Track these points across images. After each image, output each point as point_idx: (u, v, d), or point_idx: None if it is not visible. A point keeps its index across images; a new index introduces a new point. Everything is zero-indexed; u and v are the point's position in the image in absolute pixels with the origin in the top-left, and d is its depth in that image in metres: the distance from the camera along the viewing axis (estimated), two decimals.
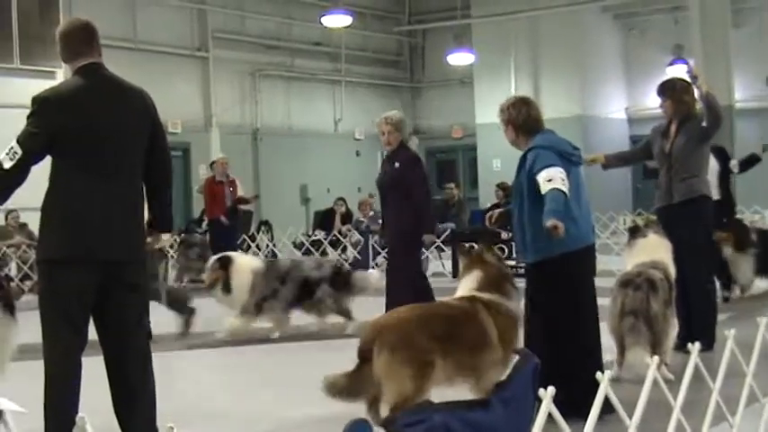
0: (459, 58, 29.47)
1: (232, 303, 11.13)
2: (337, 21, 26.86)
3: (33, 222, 18.92)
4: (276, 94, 28.68)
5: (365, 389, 5.86)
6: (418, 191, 10.33)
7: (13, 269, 18.31)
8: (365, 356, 5.85)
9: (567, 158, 6.83)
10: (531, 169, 6.71)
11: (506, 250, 14.93)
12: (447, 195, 19.78)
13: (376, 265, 18.23)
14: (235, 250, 17.03)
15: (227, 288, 11.08)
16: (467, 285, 6.48)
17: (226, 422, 7.23)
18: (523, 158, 6.88)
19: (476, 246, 7.02)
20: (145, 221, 6.07)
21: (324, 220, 21.11)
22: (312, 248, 18.76)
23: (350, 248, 19.05)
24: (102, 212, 5.76)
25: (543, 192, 6.54)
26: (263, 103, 28.14)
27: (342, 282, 11.41)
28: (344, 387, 5.86)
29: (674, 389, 4.92)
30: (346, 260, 18.87)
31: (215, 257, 11.64)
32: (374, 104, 31.37)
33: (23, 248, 18.29)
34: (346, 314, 11.30)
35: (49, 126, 5.83)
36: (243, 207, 18.92)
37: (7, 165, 5.80)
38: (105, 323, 5.81)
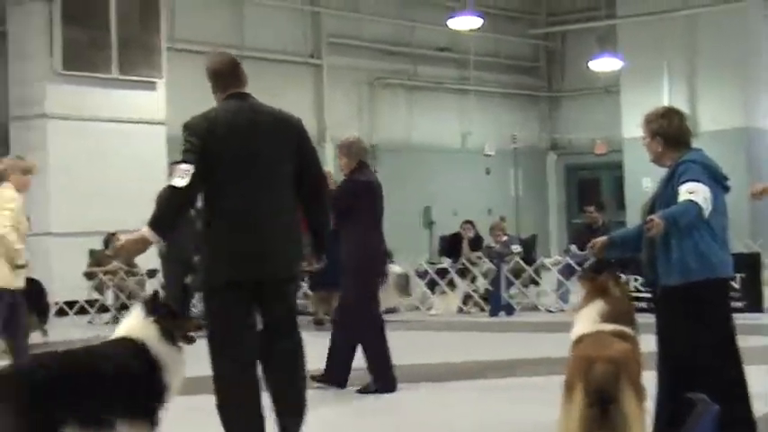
0: (604, 64, 29.14)
1: None
2: (465, 23, 26.78)
3: None
4: (396, 106, 28.77)
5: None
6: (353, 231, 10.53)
7: (109, 298, 18.69)
8: (609, 397, 5.78)
9: (718, 181, 6.93)
10: (678, 180, 6.83)
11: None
12: (589, 219, 19.54)
13: (509, 297, 18.13)
14: (332, 278, 17.08)
15: None
16: (589, 316, 6.40)
17: None
18: (672, 173, 6.95)
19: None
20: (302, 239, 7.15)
21: (450, 246, 21.03)
22: (437, 278, 18.70)
23: (480, 278, 18.95)
24: (258, 232, 6.84)
25: (679, 201, 6.68)
26: (382, 115, 28.27)
27: None
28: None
29: None
30: (476, 291, 18.80)
31: None
32: (507, 116, 31.32)
33: (121, 275, 18.65)
34: None
35: (206, 150, 6.86)
36: None
37: (181, 183, 6.76)
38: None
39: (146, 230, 6.89)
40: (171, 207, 6.89)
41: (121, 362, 6.63)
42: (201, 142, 6.90)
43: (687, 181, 6.74)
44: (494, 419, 8.93)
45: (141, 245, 6.98)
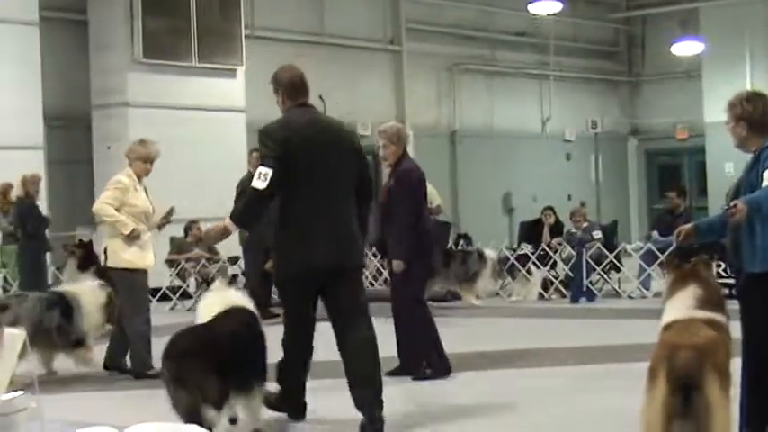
0: (685, 48, 28.80)
1: None
2: (545, 8, 26.62)
3: None
4: (476, 91, 28.65)
5: (693, 423, 5.69)
6: (406, 217, 10.48)
7: (192, 284, 18.82)
8: (692, 384, 5.70)
9: None
10: (763, 167, 6.68)
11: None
12: (671, 205, 19.30)
13: (590, 283, 17.97)
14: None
15: None
16: (682, 303, 6.28)
17: None
18: (756, 158, 6.82)
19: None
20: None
21: (530, 232, 20.89)
22: (518, 264, 18.60)
23: (560, 264, 18.81)
24: (328, 230, 7.79)
25: (762, 186, 6.57)
26: (462, 101, 28.16)
27: None
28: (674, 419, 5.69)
29: None
30: (556, 277, 18.67)
31: None
32: (587, 102, 31.08)
33: (203, 262, 18.77)
34: None
35: (285, 156, 7.67)
36: (439, 218, 18.91)
37: (262, 186, 7.61)
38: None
39: (228, 222, 7.81)
40: (252, 206, 7.81)
41: (255, 329, 7.75)
42: (281, 149, 7.68)
43: None
44: (574, 407, 8.85)
45: (223, 234, 7.94)
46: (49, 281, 16.25)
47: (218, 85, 21.65)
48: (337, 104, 24.95)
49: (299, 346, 8.12)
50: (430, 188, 19.37)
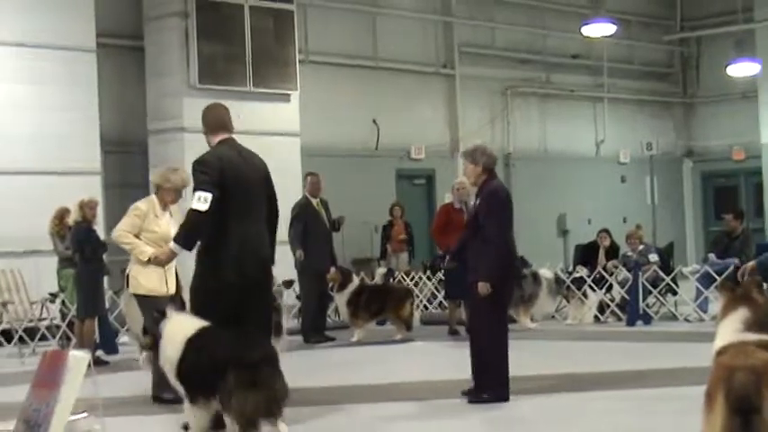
0: (741, 69, 28.61)
1: None
2: (599, 30, 26.55)
3: None
4: (530, 114, 28.64)
5: None
6: (495, 237, 10.30)
7: None
8: (751, 407, 5.63)
9: None
10: None
11: None
12: (727, 227, 19.17)
13: (647, 306, 17.86)
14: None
15: None
16: (732, 326, 6.23)
17: None
18: None
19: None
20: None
21: (586, 254, 20.80)
22: (573, 287, 18.53)
23: (616, 287, 18.71)
24: (251, 247, 8.98)
25: None
26: (516, 123, 28.15)
27: None
28: None
29: None
30: (612, 300, 18.57)
31: None
32: (641, 123, 30.96)
33: None
34: None
35: (217, 179, 8.77)
36: None
37: (203, 208, 8.66)
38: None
39: (173, 245, 9.09)
40: (194, 228, 8.85)
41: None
42: (218, 176, 8.81)
43: None
44: (630, 430, 8.80)
45: (169, 258, 9.42)
46: (107, 305, 16.38)
47: (273, 109, 21.77)
48: (390, 128, 25.11)
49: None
50: None
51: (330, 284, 17.04)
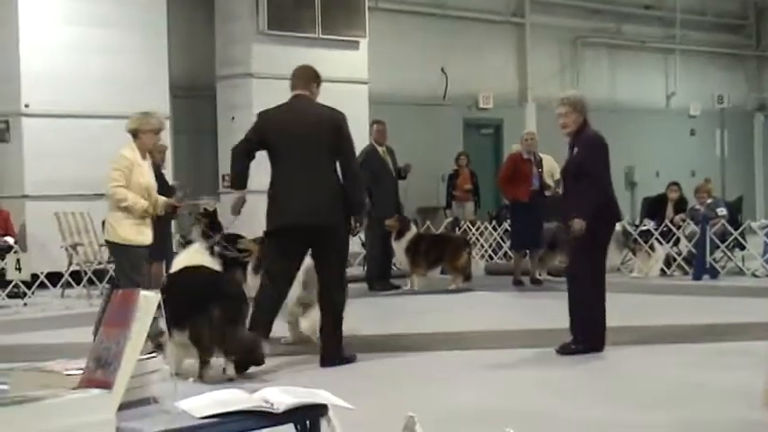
0: None
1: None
2: None
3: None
4: (600, 65, 28.41)
5: None
6: (598, 179, 10.21)
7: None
8: None
9: None
10: None
11: None
12: None
13: (714, 260, 17.72)
14: (535, 239, 16.95)
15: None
16: None
17: None
18: None
19: None
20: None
21: (653, 207, 20.65)
22: (640, 239, 18.41)
23: (683, 241, 18.58)
24: (295, 194, 9.74)
25: None
26: (585, 74, 27.92)
27: None
28: None
29: None
30: (679, 254, 18.45)
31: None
32: (713, 76, 30.59)
33: None
34: None
35: (251, 134, 10.17)
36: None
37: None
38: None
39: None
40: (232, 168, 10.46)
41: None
42: (254, 130, 10.14)
43: None
44: (697, 385, 8.76)
45: (240, 202, 10.22)
46: (174, 249, 16.53)
47: (341, 56, 21.74)
48: (459, 77, 25.00)
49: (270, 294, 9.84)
50: (553, 162, 19.38)
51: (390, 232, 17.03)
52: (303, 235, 9.73)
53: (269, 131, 9.95)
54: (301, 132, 9.81)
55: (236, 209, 10.14)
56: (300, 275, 10.61)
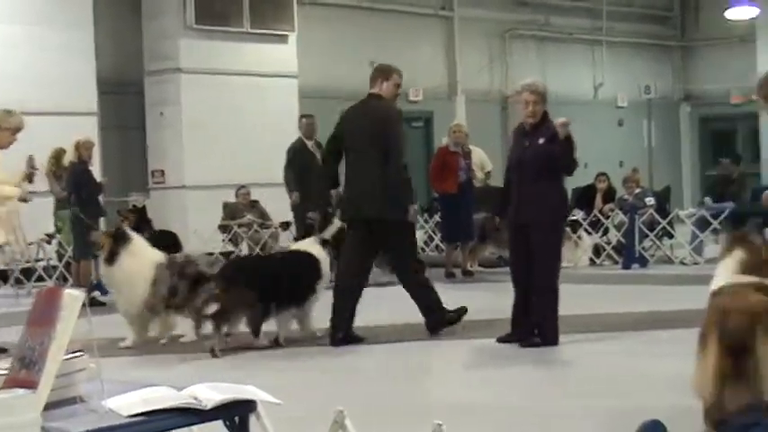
0: (740, 12, 28.45)
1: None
2: None
3: (264, 200, 19.48)
4: (528, 57, 28.51)
5: (744, 386, 5.71)
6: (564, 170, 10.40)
7: (244, 249, 18.91)
8: (742, 347, 5.71)
9: None
10: None
11: None
12: (724, 170, 19.16)
13: (643, 249, 17.89)
14: (467, 231, 16.98)
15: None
16: (729, 268, 6.29)
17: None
18: None
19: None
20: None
21: (582, 197, 20.79)
22: (570, 230, 18.52)
23: (612, 230, 18.74)
24: (353, 186, 10.83)
25: None
26: (514, 67, 28.02)
27: None
28: (726, 382, 5.74)
29: None
30: (608, 243, 18.60)
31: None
32: (639, 67, 30.83)
33: (255, 228, 18.84)
34: None
35: (335, 130, 11.24)
36: (491, 183, 18.94)
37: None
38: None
39: None
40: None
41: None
42: (337, 127, 11.16)
43: None
44: (628, 373, 8.84)
45: None
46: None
47: (270, 50, 21.67)
48: None
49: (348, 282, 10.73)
50: (483, 154, 19.44)
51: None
52: (362, 226, 10.83)
53: (343, 129, 11.02)
54: (357, 129, 10.79)
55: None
56: (148, 273, 10.59)
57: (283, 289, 10.55)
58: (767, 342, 5.66)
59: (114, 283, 11.08)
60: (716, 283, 6.25)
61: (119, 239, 10.95)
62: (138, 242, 11.17)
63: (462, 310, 11.09)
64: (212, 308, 10.21)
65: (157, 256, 11.02)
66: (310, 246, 11.38)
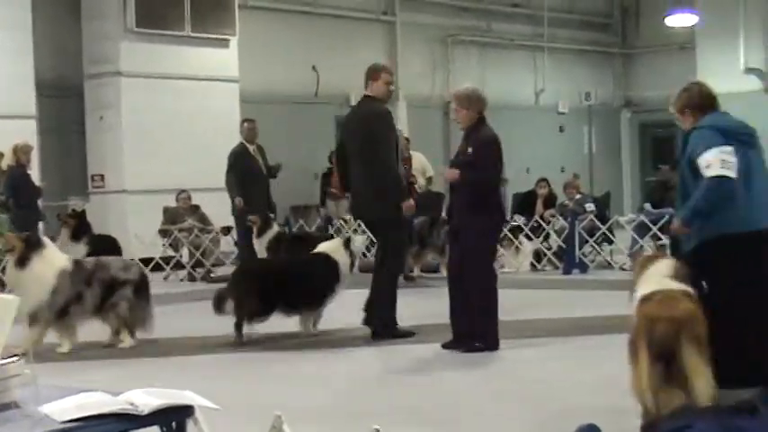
0: (680, 20, 28.70)
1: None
2: None
3: (205, 204, 19.36)
4: (470, 63, 28.62)
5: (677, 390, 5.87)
6: (488, 177, 10.41)
7: (185, 255, 18.82)
8: (670, 354, 5.86)
9: (736, 138, 7.07)
10: (692, 152, 7.06)
11: None
12: (664, 177, 19.32)
13: (583, 255, 18.00)
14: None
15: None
16: (659, 274, 6.44)
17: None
18: (685, 140, 7.35)
19: None
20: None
21: (523, 203, 20.90)
22: (510, 235, 18.61)
23: (553, 236, 18.84)
24: (355, 186, 11.41)
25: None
26: (456, 72, 28.11)
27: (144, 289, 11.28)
28: (659, 388, 5.87)
29: None
30: (549, 249, 18.70)
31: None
32: (580, 73, 31.05)
33: (195, 233, 18.75)
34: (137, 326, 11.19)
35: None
36: (432, 188, 19.00)
37: None
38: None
39: None
40: None
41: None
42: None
43: (702, 153, 6.99)
44: (570, 376, 8.89)
45: None
46: None
47: (211, 54, 21.58)
48: (330, 75, 24.98)
49: None
50: (423, 159, 19.51)
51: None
52: (367, 226, 12.43)
53: (342, 134, 11.87)
54: (349, 132, 11.46)
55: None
56: (51, 280, 10.47)
57: (299, 292, 11.37)
58: (692, 349, 5.84)
59: (18, 287, 10.80)
60: (644, 289, 6.40)
61: (31, 245, 10.77)
62: (51, 249, 10.99)
63: (409, 335, 11.09)
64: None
65: (63, 262, 10.84)
66: (334, 249, 11.98)
